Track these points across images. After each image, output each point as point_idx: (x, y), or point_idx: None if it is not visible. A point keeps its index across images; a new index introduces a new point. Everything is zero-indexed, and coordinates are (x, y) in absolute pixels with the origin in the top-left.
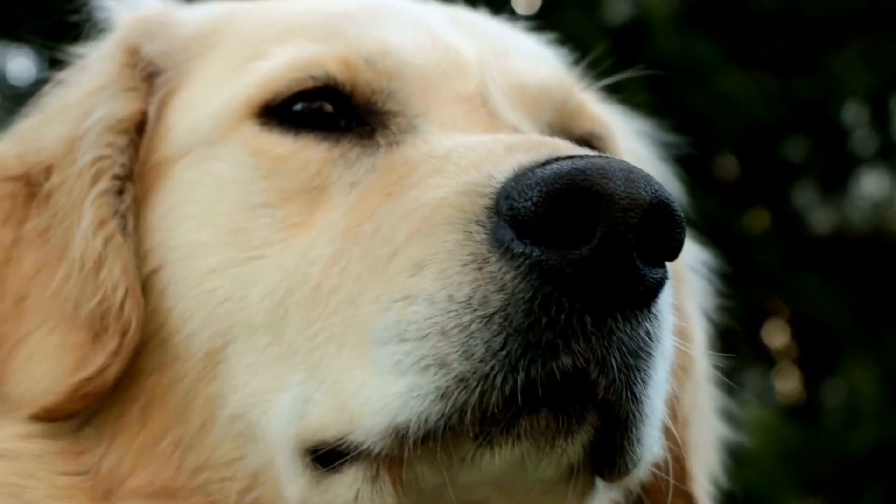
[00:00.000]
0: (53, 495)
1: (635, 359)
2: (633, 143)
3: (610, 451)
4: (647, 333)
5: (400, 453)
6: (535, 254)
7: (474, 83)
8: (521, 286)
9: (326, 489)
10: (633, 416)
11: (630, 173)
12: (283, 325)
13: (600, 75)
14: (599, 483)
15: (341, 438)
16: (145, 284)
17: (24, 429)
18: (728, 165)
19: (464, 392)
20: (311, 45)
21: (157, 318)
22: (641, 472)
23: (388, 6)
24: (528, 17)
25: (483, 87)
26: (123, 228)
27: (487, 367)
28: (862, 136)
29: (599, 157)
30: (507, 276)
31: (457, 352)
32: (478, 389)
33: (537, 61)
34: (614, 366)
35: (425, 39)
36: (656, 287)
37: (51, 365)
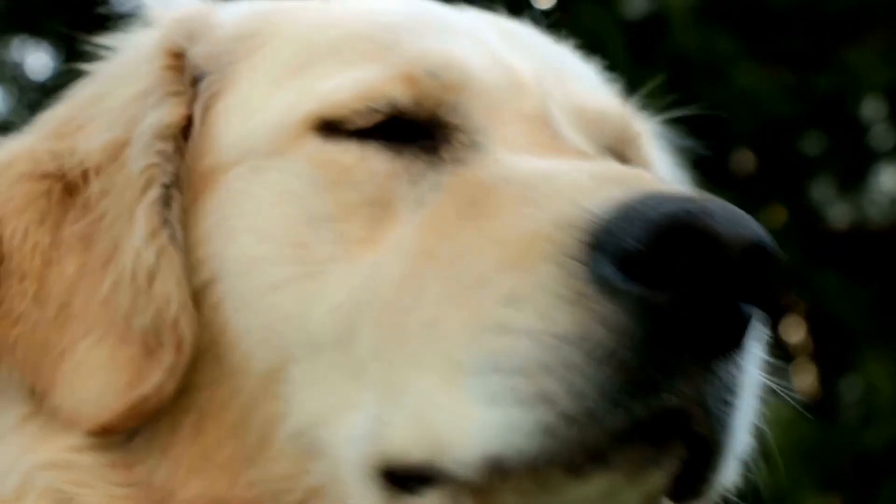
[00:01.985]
0: (106, 502)
1: (731, 395)
2: (665, 167)
3: (692, 480)
4: (741, 369)
5: (487, 482)
6: (643, 293)
7: (535, 102)
8: (629, 325)
9: None
10: (723, 448)
11: (735, 215)
12: (351, 343)
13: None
14: None
15: (426, 464)
16: (196, 297)
17: (76, 441)
18: (745, 160)
19: (569, 428)
20: (372, 66)
21: (209, 332)
22: (714, 498)
23: (441, 16)
24: (544, 12)
25: (544, 107)
26: (173, 238)
27: (594, 405)
28: (880, 131)
29: (704, 197)
30: (615, 315)
31: (562, 388)
32: (586, 427)
33: (594, 85)
34: (713, 403)
35: (484, 54)
36: (753, 325)
37: (103, 380)
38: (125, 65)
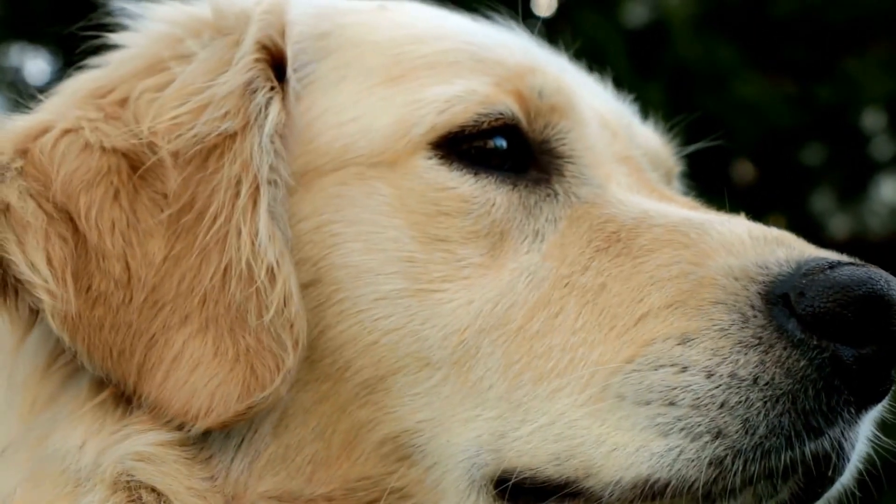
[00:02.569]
0: (189, 494)
1: (857, 441)
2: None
3: None
4: (870, 421)
5: (624, 502)
6: (830, 348)
7: (624, 145)
8: (812, 375)
9: None
10: (834, 484)
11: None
12: (471, 362)
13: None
14: None
15: (568, 482)
16: None
17: (164, 436)
18: (746, 170)
19: (740, 463)
20: (479, 79)
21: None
22: None
23: (513, 38)
24: (546, 20)
25: (631, 150)
26: (287, 238)
27: (768, 444)
28: (881, 142)
29: (876, 267)
30: (799, 364)
31: (738, 425)
32: (756, 462)
33: (650, 131)
34: (847, 449)
35: (576, 84)
36: (892, 387)
37: (212, 376)
38: (210, 50)
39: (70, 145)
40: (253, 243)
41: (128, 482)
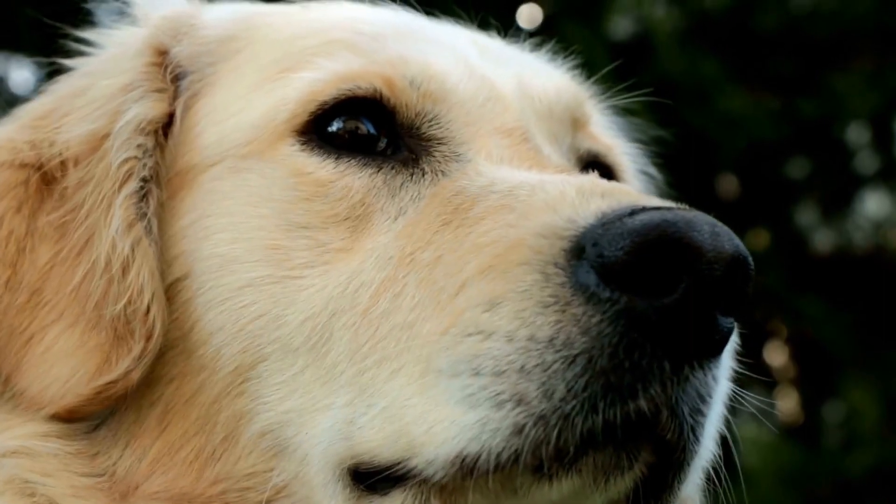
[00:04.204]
0: (72, 494)
1: (702, 403)
2: (629, 162)
3: (657, 488)
4: (714, 378)
5: (457, 482)
6: (623, 300)
7: (514, 116)
8: (607, 330)
9: None
10: (690, 457)
11: (715, 227)
12: (325, 347)
13: (605, 92)
14: None
15: (397, 463)
16: (169, 291)
17: (41, 427)
18: (730, 184)
19: (541, 429)
20: (355, 60)
21: (180, 326)
22: None
23: (419, 27)
24: (530, 33)
25: (523, 120)
26: (149, 232)
27: (568, 407)
28: (865, 157)
29: (684, 208)
30: (593, 320)
31: (537, 390)
32: (557, 428)
33: (553, 78)
34: (685, 411)
35: (464, 67)
36: (728, 335)
37: (71, 364)
38: (109, 60)
39: None
40: (113, 238)
41: (24, 486)
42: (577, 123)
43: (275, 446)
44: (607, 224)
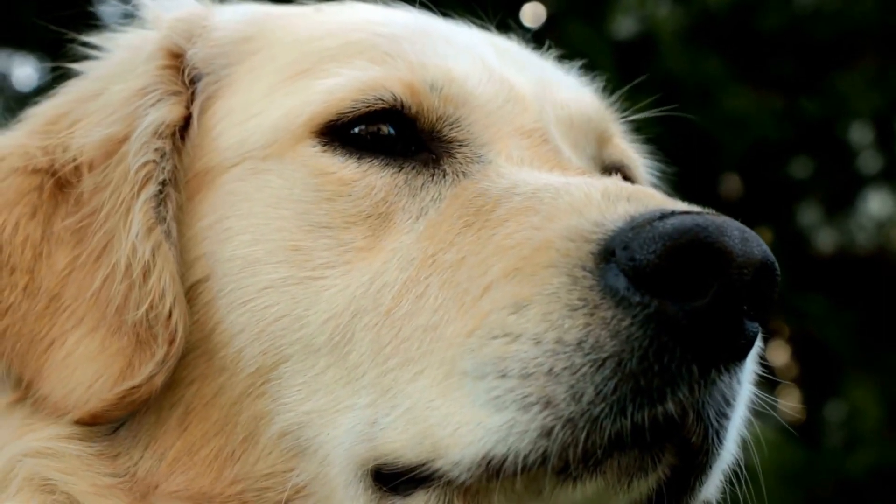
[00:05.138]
0: (94, 492)
1: (727, 407)
2: (645, 173)
3: (679, 489)
4: (738, 382)
5: (481, 484)
6: (654, 304)
7: (533, 118)
8: (637, 333)
9: None
10: (713, 459)
11: (744, 232)
12: (347, 347)
13: (614, 100)
14: None
15: (422, 465)
16: (189, 294)
17: (63, 430)
18: (732, 183)
19: (569, 432)
20: (375, 67)
21: (201, 329)
22: None
23: (439, 30)
24: (534, 32)
25: (542, 122)
26: (168, 235)
27: (597, 410)
28: (867, 157)
29: (712, 212)
30: (623, 324)
31: (565, 392)
32: (585, 430)
33: (579, 92)
34: (711, 415)
35: (483, 69)
36: (753, 339)
37: (93, 370)
38: (122, 63)
39: (1, 171)
40: (133, 243)
41: (44, 484)
42: (601, 137)
43: (295, 447)
44: (637, 227)
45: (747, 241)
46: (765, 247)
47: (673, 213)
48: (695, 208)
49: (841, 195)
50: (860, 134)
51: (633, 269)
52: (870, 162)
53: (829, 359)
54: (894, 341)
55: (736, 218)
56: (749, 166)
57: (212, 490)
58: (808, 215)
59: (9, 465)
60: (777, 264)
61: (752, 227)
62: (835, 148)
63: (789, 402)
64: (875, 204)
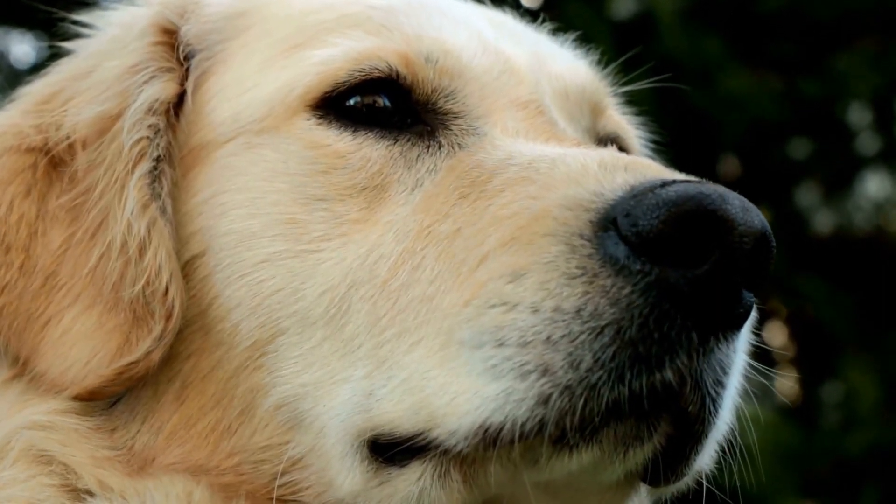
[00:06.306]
0: (92, 464)
1: (724, 375)
2: (639, 145)
3: (675, 459)
4: (734, 350)
5: (478, 453)
6: (655, 272)
7: (529, 90)
8: (638, 301)
9: (387, 482)
10: (709, 429)
11: (744, 202)
12: (343, 319)
13: (608, 73)
14: (643, 487)
15: (418, 435)
16: (185, 269)
17: (61, 405)
18: (731, 164)
19: (567, 399)
20: (370, 38)
21: (198, 303)
22: (686, 481)
23: (435, 3)
24: (532, 11)
25: (538, 94)
26: (163, 212)
27: (595, 377)
28: (866, 138)
29: (713, 183)
30: (623, 291)
31: (563, 360)
32: (583, 398)
33: (574, 64)
34: (708, 383)
35: (478, 42)
36: (750, 309)
37: (90, 346)
38: (114, 40)
39: None
40: (128, 220)
41: (41, 456)
42: (596, 108)
43: (291, 419)
44: (639, 196)
45: (748, 210)
46: (763, 218)
47: (674, 182)
48: (692, 178)
49: (839, 176)
50: (859, 115)
51: (637, 234)
52: (868, 143)
53: (827, 339)
54: (892, 322)
55: None
56: (748, 147)
57: (208, 463)
58: (807, 196)
59: (6, 438)
60: (773, 237)
61: None
62: (834, 129)
63: (787, 383)
64: (873, 185)
